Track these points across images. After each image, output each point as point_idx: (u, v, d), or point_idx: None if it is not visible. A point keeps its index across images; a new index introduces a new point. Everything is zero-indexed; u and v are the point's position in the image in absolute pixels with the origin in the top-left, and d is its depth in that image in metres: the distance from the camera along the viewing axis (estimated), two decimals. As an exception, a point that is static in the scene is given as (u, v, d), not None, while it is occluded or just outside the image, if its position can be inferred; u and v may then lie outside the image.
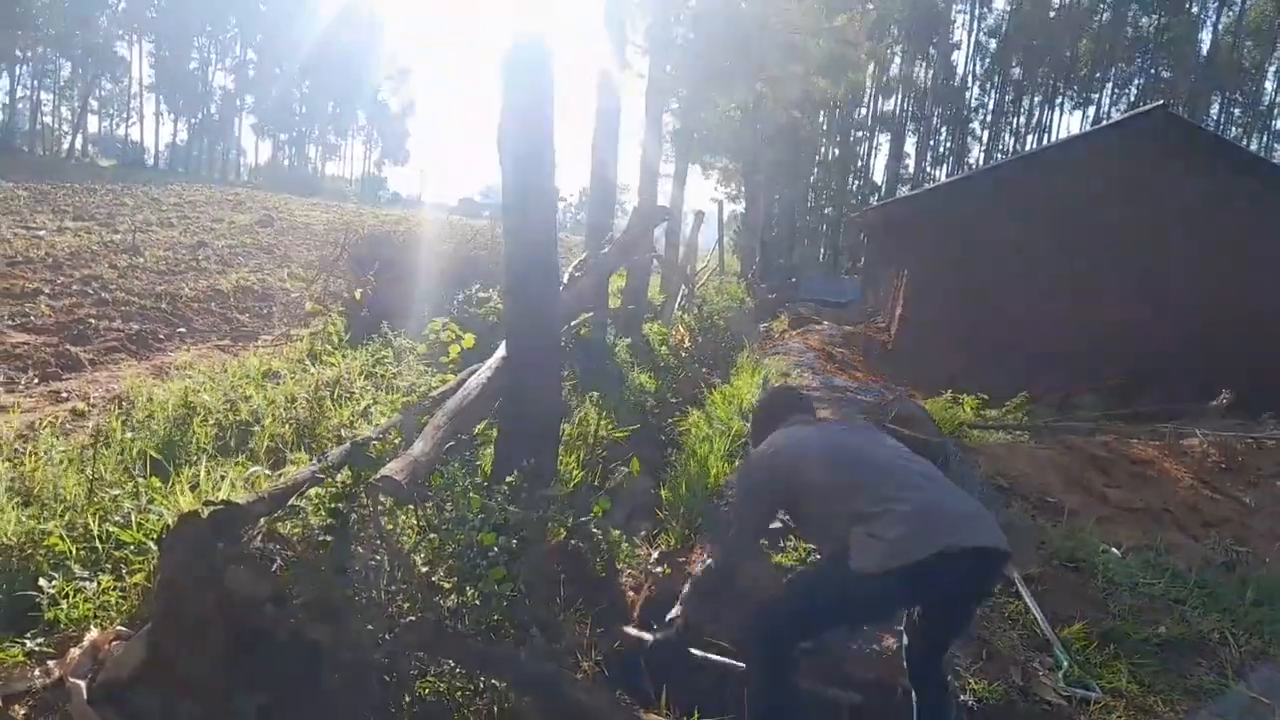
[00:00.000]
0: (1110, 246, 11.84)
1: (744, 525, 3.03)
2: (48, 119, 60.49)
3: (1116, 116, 34.75)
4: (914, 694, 2.83)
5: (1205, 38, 50.76)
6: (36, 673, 2.40)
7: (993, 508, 5.14)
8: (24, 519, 3.07)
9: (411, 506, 2.80)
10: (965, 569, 2.49)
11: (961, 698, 3.16)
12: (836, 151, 55.03)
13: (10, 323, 8.33)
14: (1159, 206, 11.73)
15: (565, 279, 5.66)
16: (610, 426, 5.71)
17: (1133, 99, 51.85)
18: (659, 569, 3.83)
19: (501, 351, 4.16)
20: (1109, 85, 54.18)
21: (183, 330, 9.50)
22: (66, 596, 2.67)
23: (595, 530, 3.16)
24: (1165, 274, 11.83)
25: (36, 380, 6.66)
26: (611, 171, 11.16)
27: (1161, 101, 17.70)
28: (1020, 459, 6.46)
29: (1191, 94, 48.19)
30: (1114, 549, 4.88)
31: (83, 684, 2.27)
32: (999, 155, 53.32)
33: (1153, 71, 52.89)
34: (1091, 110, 54.73)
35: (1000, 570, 2.76)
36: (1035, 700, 3.19)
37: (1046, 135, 54.39)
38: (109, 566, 2.89)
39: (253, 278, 13.79)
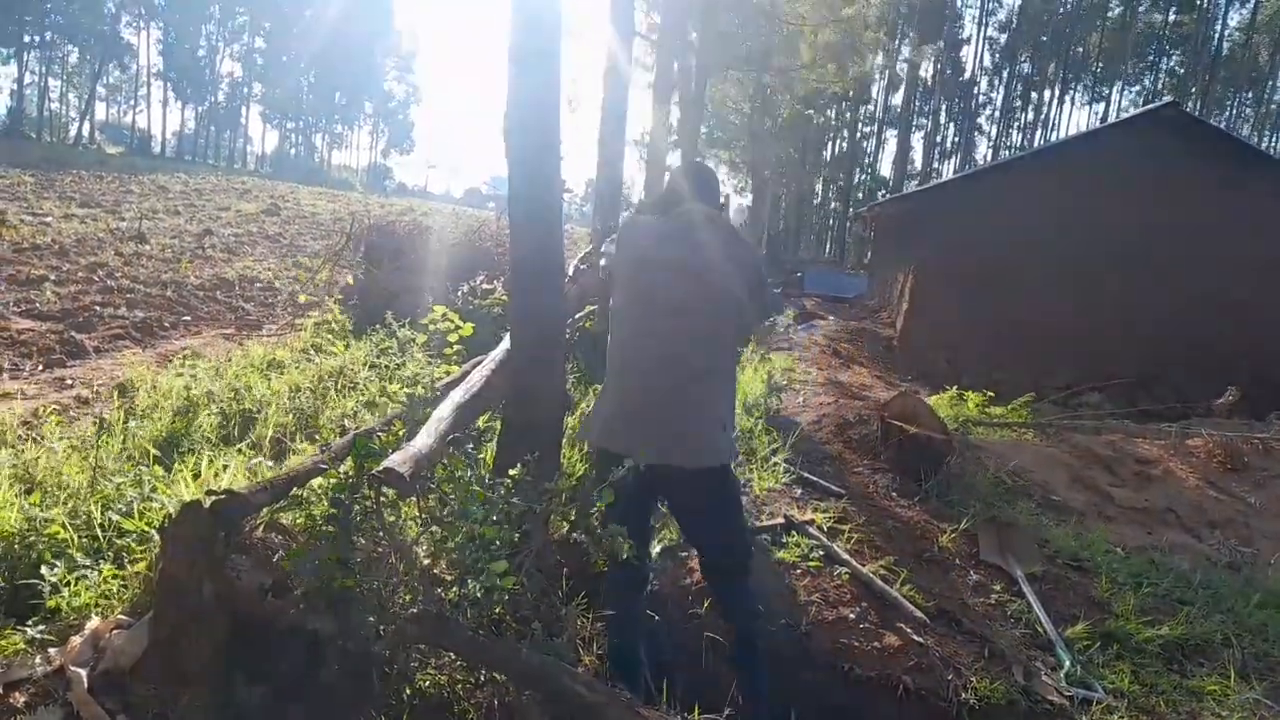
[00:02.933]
0: (1119, 244, 11.78)
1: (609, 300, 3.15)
2: (55, 105, 60.84)
3: (1127, 113, 34.61)
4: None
5: (1217, 34, 50.39)
6: (38, 660, 2.39)
7: (996, 507, 5.14)
8: (27, 506, 3.07)
9: (414, 499, 2.79)
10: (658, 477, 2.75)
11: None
12: (844, 146, 54.92)
13: (16, 309, 8.34)
14: (1169, 204, 11.67)
15: (570, 271, 5.65)
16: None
17: (1144, 96, 51.63)
18: (661, 564, 3.83)
19: (506, 344, 4.16)
20: (1120, 81, 53.93)
21: (188, 319, 9.51)
22: (68, 585, 2.67)
23: (597, 524, 3.15)
24: (1174, 272, 11.77)
25: (41, 367, 6.67)
26: (618, 165, 11.14)
27: (1172, 98, 17.63)
28: (1025, 457, 6.44)
29: (1203, 91, 47.94)
30: (1118, 549, 4.87)
31: (84, 673, 2.27)
32: (1007, 151, 53.21)
33: (1164, 68, 52.67)
34: (1101, 106, 54.55)
35: (698, 482, 2.82)
36: (1037, 700, 3.17)
37: (1055, 131, 54.26)
38: (111, 555, 2.89)
39: (258, 266, 13.81)
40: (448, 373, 4.98)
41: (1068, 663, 3.43)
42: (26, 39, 53.34)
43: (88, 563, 2.77)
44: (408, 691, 2.58)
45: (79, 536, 2.94)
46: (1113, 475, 6.40)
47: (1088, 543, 4.84)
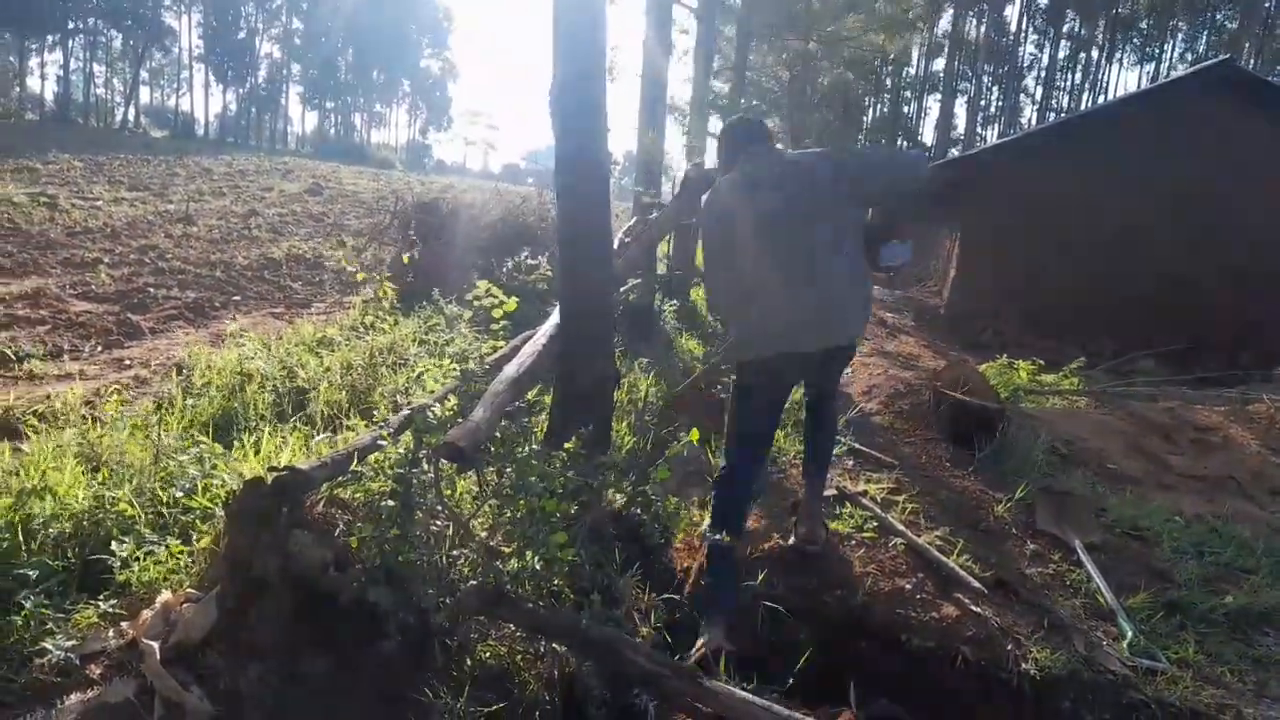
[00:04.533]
0: (1172, 206, 11.46)
1: (709, 272, 3.58)
2: (100, 91, 61.74)
3: (1178, 72, 33.55)
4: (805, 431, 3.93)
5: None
6: (110, 634, 2.46)
7: (1051, 475, 5.06)
8: (94, 485, 3.14)
9: (471, 472, 2.81)
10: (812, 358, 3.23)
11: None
12: (885, 111, 53.96)
13: (73, 291, 8.52)
14: (1224, 164, 11.32)
15: (615, 245, 5.63)
16: (659, 392, 5.69)
17: (1196, 55, 49.94)
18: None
19: (555, 318, 4.16)
20: (1170, 40, 52.24)
21: (237, 298, 9.65)
22: (137, 560, 2.73)
23: (653, 497, 3.16)
24: (1230, 235, 11.43)
25: (100, 348, 6.81)
26: (660, 134, 11.06)
27: (1228, 55, 17.05)
28: (1079, 425, 6.33)
29: (1260, 48, 46.28)
30: (1178, 517, 4.77)
31: (156, 645, 2.32)
32: (1052, 114, 51.85)
33: (1218, 24, 50.87)
34: (1151, 66, 52.94)
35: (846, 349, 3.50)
36: (1100, 670, 3.13)
37: (1104, 94, 52.77)
38: (176, 531, 2.95)
39: (304, 246, 13.95)
40: (494, 348, 5.00)
41: (1130, 633, 3.37)
42: (71, 25, 54.19)
43: (154, 538, 2.83)
44: (468, 662, 2.61)
45: (145, 513, 3.01)
46: (1171, 443, 6.26)
47: (1147, 511, 4.75)
